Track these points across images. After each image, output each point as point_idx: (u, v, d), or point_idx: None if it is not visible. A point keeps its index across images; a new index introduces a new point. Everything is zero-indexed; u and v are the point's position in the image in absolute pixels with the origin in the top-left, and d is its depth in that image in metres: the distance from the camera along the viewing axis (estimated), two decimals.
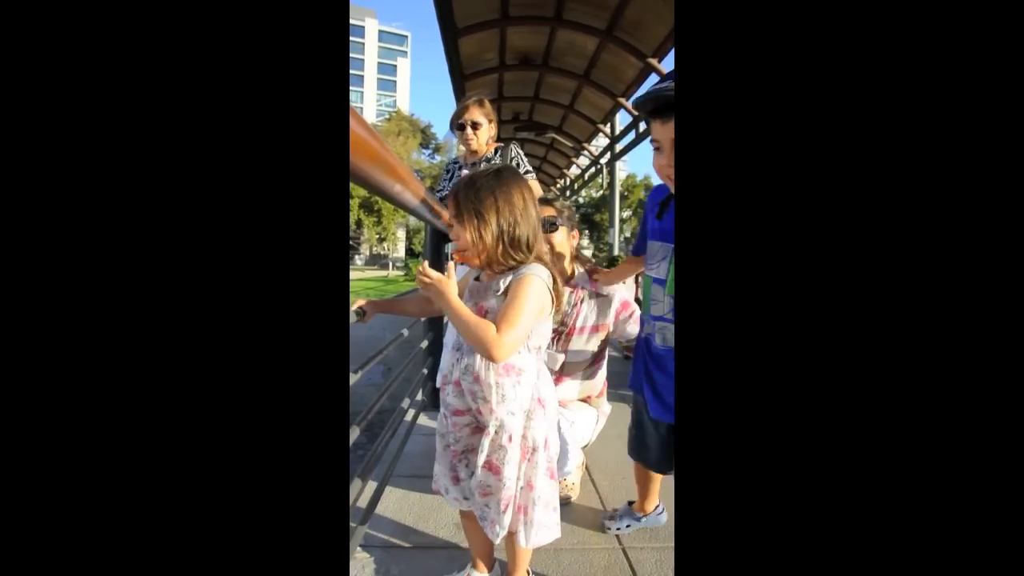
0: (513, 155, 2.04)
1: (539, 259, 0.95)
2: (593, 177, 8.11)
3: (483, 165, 2.03)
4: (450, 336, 1.02)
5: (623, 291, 1.51)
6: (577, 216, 1.54)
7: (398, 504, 1.65)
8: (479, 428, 1.01)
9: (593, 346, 1.54)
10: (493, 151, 2.07)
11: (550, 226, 1.33)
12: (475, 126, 2.00)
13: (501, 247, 0.93)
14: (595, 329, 1.50)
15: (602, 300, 1.47)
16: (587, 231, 27.81)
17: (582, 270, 1.48)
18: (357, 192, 26.73)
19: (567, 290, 1.44)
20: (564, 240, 1.37)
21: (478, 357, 0.96)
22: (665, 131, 0.87)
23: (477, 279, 1.02)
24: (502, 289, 0.93)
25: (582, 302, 1.47)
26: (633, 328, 1.50)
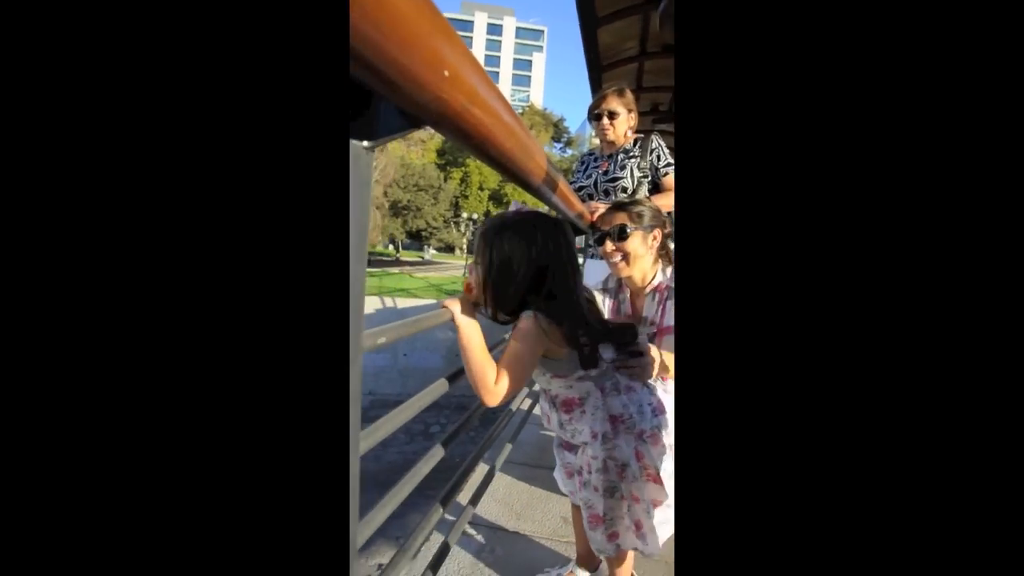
0: (654, 147, 1.93)
1: (548, 303, 0.87)
2: None
3: (620, 157, 1.95)
4: None
5: None
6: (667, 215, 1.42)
7: (507, 490, 1.69)
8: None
9: None
10: (632, 143, 1.97)
11: (621, 233, 1.28)
12: (612, 115, 1.92)
13: (489, 299, 0.88)
14: None
15: None
16: None
17: (669, 270, 1.37)
18: (488, 184, 27.99)
19: (650, 291, 1.35)
20: (640, 244, 1.29)
21: (544, 402, 1.00)
22: None
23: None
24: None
25: (667, 300, 1.35)
26: None
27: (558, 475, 1.15)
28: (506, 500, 1.64)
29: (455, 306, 0.86)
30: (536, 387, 2.36)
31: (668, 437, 1.00)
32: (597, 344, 0.94)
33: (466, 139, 0.51)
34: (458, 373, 1.04)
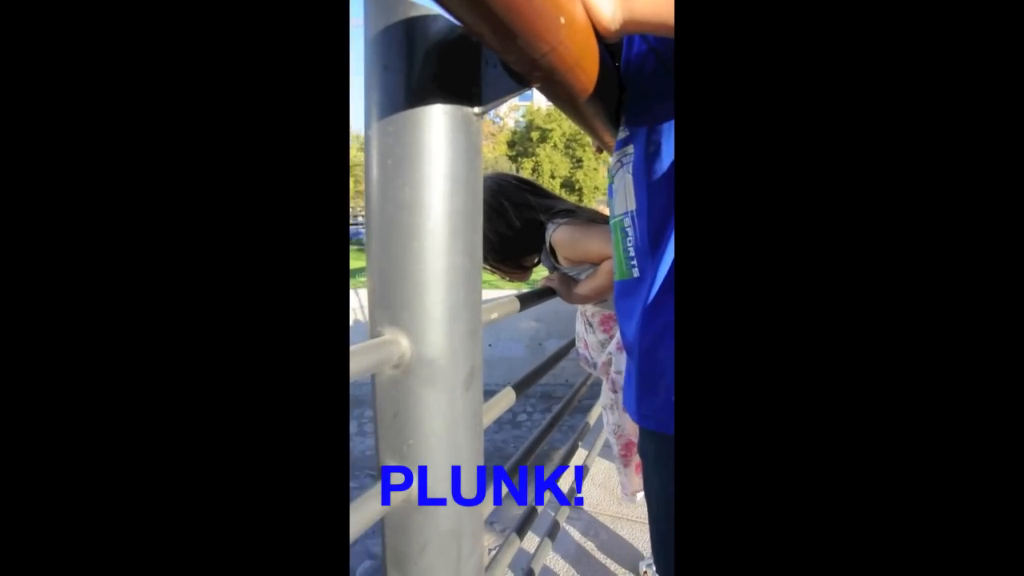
0: None
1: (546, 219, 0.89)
2: None
3: None
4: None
5: None
6: None
7: (606, 475, 1.67)
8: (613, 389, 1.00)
9: None
10: None
11: None
12: None
13: (504, 266, 0.91)
14: None
15: None
16: None
17: None
18: (559, 172, 27.76)
19: None
20: None
21: (580, 326, 1.00)
22: None
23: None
24: (563, 265, 0.87)
25: None
26: None
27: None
28: (606, 485, 1.62)
29: (552, 281, 0.89)
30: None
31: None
32: None
33: (573, 101, 0.48)
34: (546, 364, 1.03)
